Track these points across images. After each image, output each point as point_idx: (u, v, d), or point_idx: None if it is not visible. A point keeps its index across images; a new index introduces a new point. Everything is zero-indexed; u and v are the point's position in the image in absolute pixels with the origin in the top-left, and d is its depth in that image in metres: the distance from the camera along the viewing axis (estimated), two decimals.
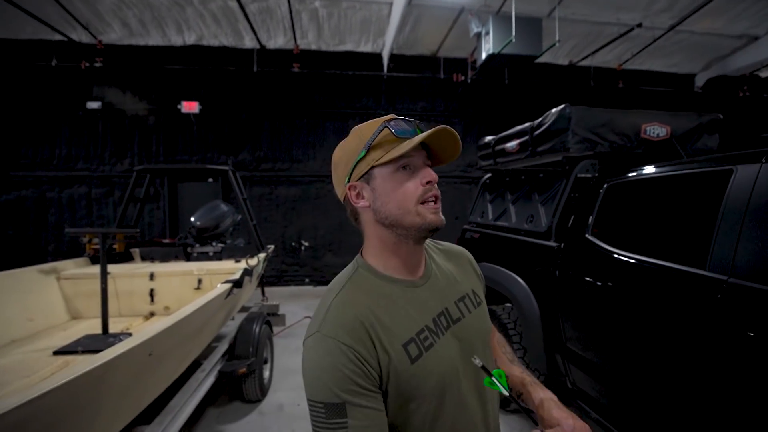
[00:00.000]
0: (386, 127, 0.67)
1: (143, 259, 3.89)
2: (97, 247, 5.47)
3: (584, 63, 7.41)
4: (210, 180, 6.92)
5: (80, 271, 3.21)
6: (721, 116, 2.58)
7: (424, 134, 0.65)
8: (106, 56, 6.40)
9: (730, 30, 6.43)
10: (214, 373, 2.54)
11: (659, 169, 1.86)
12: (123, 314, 3.14)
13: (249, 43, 6.58)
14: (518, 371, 0.79)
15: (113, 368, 1.17)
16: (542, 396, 0.71)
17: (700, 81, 7.95)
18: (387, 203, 0.66)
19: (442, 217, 0.68)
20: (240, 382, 2.75)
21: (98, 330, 2.51)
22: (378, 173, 0.67)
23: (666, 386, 1.51)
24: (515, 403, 0.67)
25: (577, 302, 2.07)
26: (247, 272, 2.83)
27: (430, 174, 0.67)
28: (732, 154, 1.55)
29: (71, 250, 6.35)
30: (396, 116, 0.70)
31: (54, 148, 6.44)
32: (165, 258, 3.87)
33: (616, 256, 1.85)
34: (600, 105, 2.63)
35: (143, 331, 1.37)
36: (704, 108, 7.45)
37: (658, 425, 1.55)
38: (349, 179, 0.69)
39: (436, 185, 0.68)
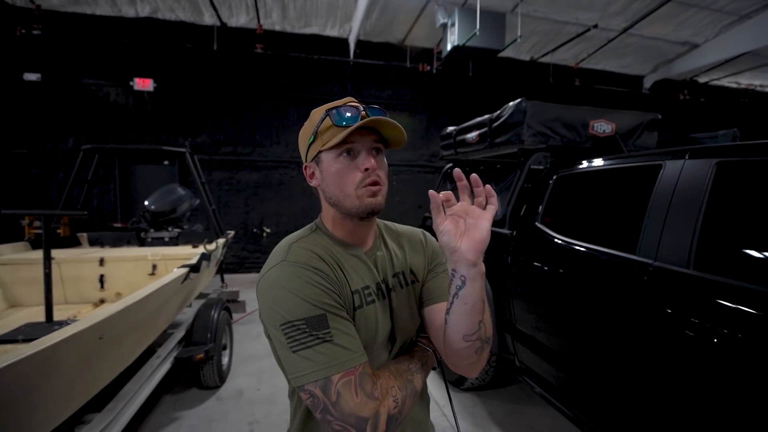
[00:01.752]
0: (327, 115, 0.71)
1: (92, 244, 3.68)
2: (39, 231, 5.08)
3: (544, 60, 7.71)
4: (166, 162, 6.59)
5: (19, 256, 3.00)
6: (660, 116, 2.80)
7: (353, 126, 0.68)
8: (46, 23, 5.85)
9: (675, 36, 6.92)
10: (170, 359, 2.49)
11: (599, 163, 2.01)
12: (69, 301, 2.97)
13: (209, 19, 6.26)
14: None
15: (61, 351, 1.13)
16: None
17: (647, 83, 8.51)
18: (330, 186, 0.72)
19: (380, 200, 0.72)
20: (197, 368, 2.70)
21: (40, 318, 2.37)
22: (324, 157, 0.72)
23: (602, 360, 1.67)
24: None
25: (526, 286, 2.21)
26: (205, 257, 2.76)
27: (369, 161, 0.70)
28: (662, 151, 1.71)
29: (6, 234, 5.85)
30: (350, 102, 0.74)
31: None
32: (116, 243, 3.69)
33: (561, 242, 2.00)
34: (558, 101, 2.77)
35: (93, 314, 1.33)
36: (650, 108, 8.01)
37: (595, 398, 1.72)
38: (306, 159, 0.77)
39: (377, 171, 0.71)
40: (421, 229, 0.94)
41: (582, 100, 8.00)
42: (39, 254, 3.01)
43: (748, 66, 7.96)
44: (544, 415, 2.50)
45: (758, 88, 9.28)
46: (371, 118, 0.69)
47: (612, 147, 2.62)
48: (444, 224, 0.63)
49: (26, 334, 2.14)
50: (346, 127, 0.69)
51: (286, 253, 0.70)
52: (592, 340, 1.73)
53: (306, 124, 0.77)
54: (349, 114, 0.70)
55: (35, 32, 5.79)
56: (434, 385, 2.88)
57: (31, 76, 5.85)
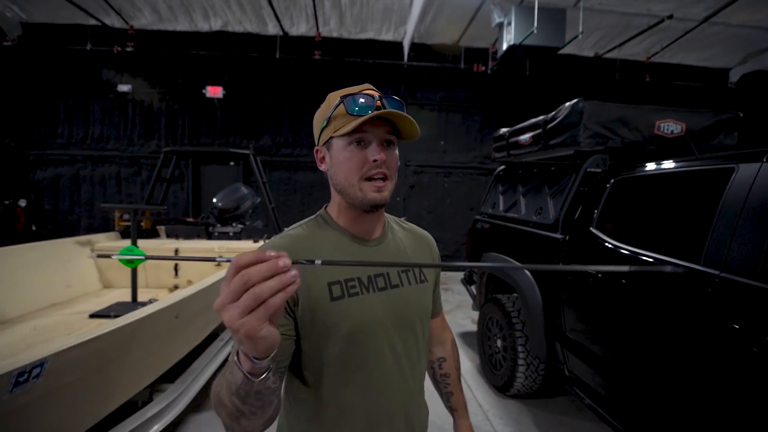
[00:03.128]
0: (342, 102, 0.70)
1: (168, 236, 4.12)
2: (126, 223, 5.78)
3: (610, 55, 7.22)
4: (231, 163, 7.15)
5: (112, 244, 3.46)
6: (741, 114, 2.54)
7: (366, 117, 0.67)
8: (137, 41, 6.64)
9: None
10: (231, 343, 2.73)
11: (663, 166, 1.89)
12: (149, 286, 3.37)
13: (272, 29, 6.70)
14: (460, 393, 1.00)
15: (146, 324, 1.33)
16: (463, 425, 0.97)
17: (734, 76, 7.63)
18: (337, 173, 0.72)
19: (384, 195, 0.71)
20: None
21: (128, 298, 2.73)
22: (335, 143, 0.72)
23: (659, 376, 1.58)
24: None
25: (578, 293, 2.13)
26: None
27: (378, 153, 0.69)
28: (736, 153, 1.57)
29: (102, 225, 6.72)
30: (367, 89, 0.73)
31: (87, 128, 6.78)
32: (188, 236, 4.09)
33: (617, 249, 1.90)
34: (625, 99, 2.63)
35: (170, 296, 1.53)
36: (737, 105, 7.19)
37: (649, 414, 1.62)
38: (317, 143, 0.77)
39: (386, 163, 0.70)
40: (428, 234, 0.94)
41: (653, 97, 7.38)
42: (128, 243, 3.46)
43: None
44: (592, 429, 2.38)
45: None
46: (385, 110, 0.67)
47: (681, 149, 2.42)
48: None
49: (117, 311, 2.48)
50: (359, 116, 0.67)
51: (272, 240, 0.75)
52: (648, 353, 1.64)
53: (321, 106, 0.76)
54: (363, 102, 0.68)
55: (128, 49, 6.59)
56: (480, 389, 2.86)
57: (124, 88, 6.67)
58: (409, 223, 0.93)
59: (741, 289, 1.29)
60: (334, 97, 0.73)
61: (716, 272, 1.38)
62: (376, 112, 0.67)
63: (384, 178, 0.71)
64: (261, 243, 3.62)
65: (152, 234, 4.13)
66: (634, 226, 1.98)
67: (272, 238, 0.77)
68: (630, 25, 6.31)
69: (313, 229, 0.77)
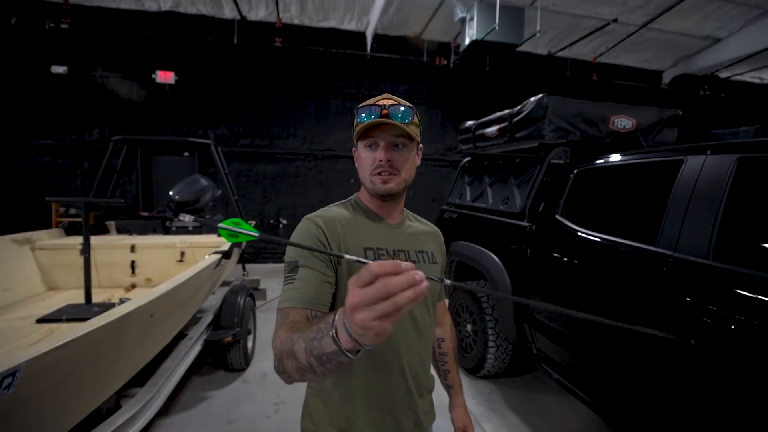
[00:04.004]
0: (355, 115, 0.86)
1: (119, 232, 3.84)
2: (70, 219, 5.29)
3: (562, 54, 7.64)
4: (186, 154, 6.75)
5: (56, 241, 3.16)
6: (681, 112, 2.81)
7: (366, 123, 0.82)
8: (74, 17, 6.02)
9: (697, 30, 6.79)
10: (200, 341, 2.62)
11: (621, 158, 2.05)
12: (102, 286, 3.13)
13: (229, 13, 6.36)
14: (456, 372, 1.13)
15: (125, 323, 1.24)
16: (458, 401, 1.10)
17: (667, 78, 8.38)
18: (359, 169, 0.90)
19: (390, 186, 0.85)
20: (225, 351, 2.84)
21: (77, 300, 2.52)
22: (358, 145, 0.89)
23: (620, 347, 1.73)
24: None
25: (545, 276, 2.27)
26: (236, 244, 2.88)
27: (382, 154, 0.84)
28: (684, 146, 1.75)
29: (32, 221, 6.09)
30: (381, 100, 0.86)
31: (14, 114, 6.08)
32: (142, 231, 3.84)
33: (581, 234, 2.05)
34: (575, 96, 2.80)
35: (144, 294, 1.44)
36: (669, 103, 7.90)
37: (612, 383, 1.78)
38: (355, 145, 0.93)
39: (389, 163, 0.84)
40: (438, 229, 1.07)
41: (599, 94, 7.93)
42: (74, 240, 3.18)
43: None
44: (559, 402, 2.57)
45: None
46: (375, 120, 0.81)
47: (632, 143, 2.64)
48: None
49: (69, 314, 2.29)
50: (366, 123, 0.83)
51: (316, 212, 0.89)
52: (609, 328, 1.80)
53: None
54: (367, 114, 0.83)
55: (63, 26, 5.96)
56: None
57: (58, 69, 6.04)
58: (424, 219, 1.08)
59: (692, 267, 1.45)
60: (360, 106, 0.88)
61: (670, 253, 1.54)
62: (370, 122, 0.82)
63: (392, 173, 0.85)
64: None
65: (101, 230, 3.82)
66: (596, 213, 2.14)
67: (318, 211, 0.89)
68: (579, 27, 6.71)
69: (347, 207, 0.93)
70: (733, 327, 1.25)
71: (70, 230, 3.56)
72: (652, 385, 1.54)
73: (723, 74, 8.51)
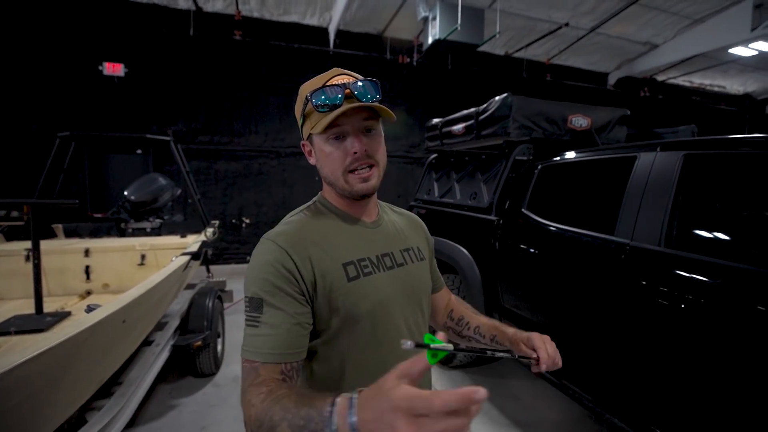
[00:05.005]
0: (309, 101, 0.69)
1: (68, 235, 3.57)
2: (6, 223, 4.81)
3: (518, 55, 7.98)
4: (139, 151, 6.36)
5: None
6: (629, 112, 3.05)
7: (333, 114, 0.66)
8: (4, 1, 5.46)
9: (637, 36, 7.36)
10: (168, 347, 2.50)
11: (581, 155, 2.21)
12: (53, 294, 2.90)
13: (183, 3, 6.04)
14: (486, 319, 0.93)
15: (98, 330, 1.17)
16: (512, 330, 0.85)
17: (612, 79, 9.00)
18: (323, 167, 0.74)
19: (372, 183, 0.73)
20: (194, 356, 2.73)
21: (26, 310, 2.32)
22: (315, 139, 0.73)
23: (584, 330, 1.87)
24: (490, 350, 0.70)
25: (512, 267, 2.39)
26: (206, 245, 2.77)
27: (357, 145, 0.69)
28: (637, 144, 1.91)
29: None
30: (334, 78, 0.71)
31: None
32: (95, 234, 3.59)
33: (546, 227, 2.19)
34: (531, 95, 2.95)
35: (116, 299, 1.36)
36: (615, 103, 8.48)
37: (578, 364, 1.92)
38: (302, 137, 0.77)
39: (369, 152, 0.70)
40: (418, 217, 0.97)
41: (553, 94, 8.37)
42: (15, 246, 2.92)
43: (700, 66, 8.60)
44: (526, 386, 2.73)
45: (707, 87, 10.03)
46: (350, 106, 0.67)
47: (587, 140, 2.83)
48: None
49: (18, 326, 2.10)
50: (330, 111, 0.67)
51: (275, 228, 0.73)
52: (575, 312, 1.93)
53: (297, 99, 0.76)
54: (330, 96, 0.68)
55: None
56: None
57: None
58: (399, 208, 0.96)
59: (647, 254, 1.59)
60: (304, 91, 0.72)
61: (627, 241, 1.69)
62: (344, 108, 0.66)
63: (370, 166, 0.72)
64: (189, 238, 3.33)
65: (47, 234, 3.52)
66: (559, 207, 2.28)
67: (277, 227, 0.74)
68: (534, 29, 7.04)
69: (314, 213, 0.78)
70: (682, 306, 1.40)
71: (11, 235, 3.26)
72: (611, 364, 1.68)
73: (660, 77, 9.28)
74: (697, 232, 1.56)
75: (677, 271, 1.46)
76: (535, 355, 0.77)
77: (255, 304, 0.65)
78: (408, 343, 0.39)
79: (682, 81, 9.59)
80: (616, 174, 1.89)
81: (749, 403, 1.23)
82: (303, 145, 0.78)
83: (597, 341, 1.78)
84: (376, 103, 0.69)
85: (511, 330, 0.85)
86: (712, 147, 1.58)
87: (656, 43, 7.63)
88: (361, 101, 0.68)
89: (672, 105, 9.70)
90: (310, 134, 0.72)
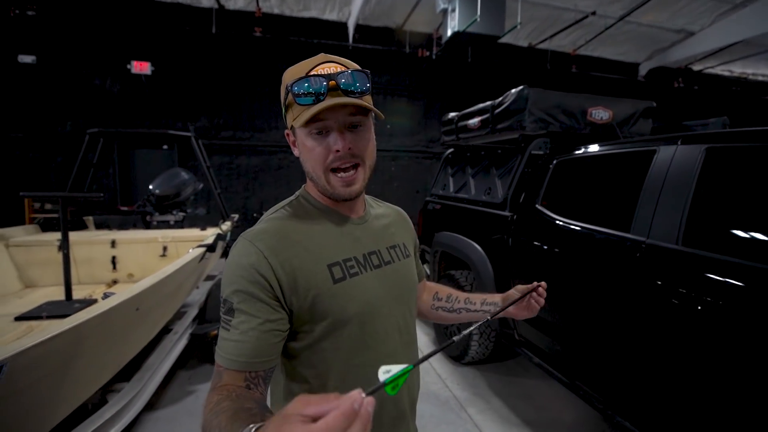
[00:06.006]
0: (290, 91, 0.64)
1: (98, 227, 3.75)
2: (41, 215, 5.12)
3: (542, 46, 7.74)
4: (165, 147, 6.60)
5: (32, 238, 3.07)
6: (655, 104, 2.91)
7: (315, 110, 0.62)
8: (40, 4, 5.75)
9: (671, 24, 6.99)
10: (186, 335, 2.60)
11: (598, 149, 2.12)
12: (83, 282, 3.06)
13: (206, 2, 6.19)
14: (476, 294, 0.97)
15: (110, 317, 1.23)
16: (501, 294, 0.92)
17: (643, 70, 8.60)
18: (305, 161, 0.70)
19: (355, 188, 0.68)
20: (211, 344, 2.82)
21: (57, 297, 2.47)
22: (298, 131, 0.68)
23: (598, 330, 1.81)
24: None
25: (526, 264, 2.34)
26: (221, 237, 2.85)
27: (340, 142, 0.65)
28: (656, 137, 1.82)
29: (4, 218, 5.86)
30: (318, 66, 0.66)
31: None
32: (122, 226, 3.76)
33: (560, 223, 2.12)
34: (555, 87, 2.86)
35: (129, 288, 1.43)
36: (645, 95, 8.13)
37: (591, 365, 1.87)
38: (287, 125, 0.72)
39: (351, 152, 0.66)
40: (401, 209, 0.94)
41: (578, 86, 8.09)
42: (50, 236, 3.09)
43: (741, 54, 8.09)
44: (540, 386, 2.67)
45: (750, 77, 9.43)
46: (333, 101, 0.62)
47: (609, 134, 2.73)
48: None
49: (49, 311, 2.24)
50: (313, 104, 0.63)
51: (255, 227, 0.69)
52: (589, 311, 1.88)
53: (281, 86, 0.69)
54: (312, 88, 0.62)
55: (30, 13, 5.69)
56: (437, 359, 3.04)
57: (26, 59, 5.78)
58: (382, 201, 0.93)
59: (663, 253, 1.52)
60: (287, 77, 0.67)
61: (643, 239, 1.62)
62: (326, 103, 0.61)
63: (355, 166, 0.68)
64: (208, 231, 3.44)
65: (79, 225, 3.72)
66: (574, 203, 2.21)
67: (257, 224, 0.70)
68: (560, 19, 6.80)
69: (297, 210, 0.73)
70: (700, 308, 1.33)
71: (46, 226, 3.46)
72: (629, 366, 1.62)
73: (696, 67, 8.80)
74: (719, 230, 1.47)
75: (696, 271, 1.38)
76: (522, 298, 0.87)
77: (228, 307, 0.63)
78: (362, 395, 0.34)
79: (721, 70, 9.05)
80: (634, 169, 1.81)
81: None
82: (287, 134, 0.74)
83: (609, 341, 1.72)
84: (363, 99, 0.65)
85: (499, 294, 0.92)
86: (737, 140, 1.49)
87: (692, 31, 7.23)
88: (347, 94, 0.63)
89: (709, 96, 9.19)
90: (293, 125, 0.68)
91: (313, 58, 0.67)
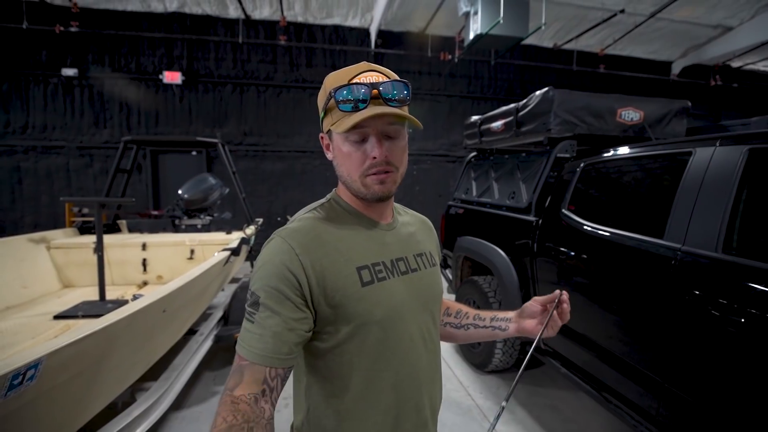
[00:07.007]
0: (332, 97, 0.65)
1: (131, 230, 3.91)
2: (79, 219, 5.40)
3: (568, 46, 7.55)
4: (194, 153, 6.85)
5: (71, 240, 3.23)
6: (690, 104, 2.77)
7: (358, 119, 0.63)
8: (82, 20, 6.10)
9: (707, 19, 6.66)
10: (211, 337, 2.67)
11: (628, 151, 2.04)
12: (116, 283, 3.19)
13: (233, 12, 6.40)
14: (484, 311, 0.95)
15: (138, 318, 1.27)
16: (511, 312, 0.91)
17: (676, 68, 8.24)
18: (339, 166, 0.71)
19: (388, 187, 0.70)
20: (235, 346, 2.88)
21: (92, 297, 2.58)
22: (335, 136, 0.70)
23: (629, 341, 1.73)
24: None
25: (551, 270, 2.27)
26: (245, 241, 2.92)
27: (377, 150, 0.66)
28: (692, 138, 1.73)
29: (48, 221, 6.22)
30: (361, 74, 0.67)
31: (28, 116, 6.19)
32: (153, 230, 3.90)
33: (588, 228, 2.05)
34: (582, 88, 2.79)
35: (156, 290, 1.47)
36: (679, 94, 7.79)
37: (621, 376, 1.78)
38: (322, 129, 0.74)
39: (386, 160, 0.68)
40: (425, 217, 0.95)
41: (607, 87, 7.83)
42: (87, 239, 3.25)
43: None
44: (567, 397, 2.58)
45: None
46: (375, 111, 0.63)
47: (640, 135, 2.62)
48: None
49: (85, 311, 2.35)
50: (353, 111, 0.64)
51: (288, 225, 0.71)
52: (619, 322, 1.79)
53: (321, 90, 0.71)
54: (355, 96, 0.64)
55: (72, 29, 6.04)
56: (459, 367, 2.99)
57: (69, 72, 6.14)
58: (409, 209, 0.93)
59: (700, 260, 1.44)
60: (329, 83, 0.69)
61: (678, 246, 1.53)
62: (368, 113, 0.63)
63: (388, 172, 0.69)
64: (234, 235, 3.52)
65: (112, 229, 3.89)
66: (603, 207, 2.13)
67: (289, 223, 0.72)
68: (586, 18, 6.62)
69: (328, 212, 0.74)
70: (742, 320, 1.25)
71: (84, 229, 3.64)
72: (661, 380, 1.54)
73: (735, 63, 8.35)
74: (763, 236, 1.38)
75: (738, 281, 1.30)
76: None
77: (253, 300, 0.64)
78: None
79: (764, 66, 8.55)
80: (668, 172, 1.73)
81: None
82: (321, 137, 0.75)
83: (641, 353, 1.64)
84: (404, 110, 0.67)
85: (512, 311, 0.91)
86: None
87: (730, 26, 6.87)
88: (388, 103, 0.65)
89: (751, 94, 8.69)
90: (330, 129, 0.69)
91: (355, 65, 0.69)
